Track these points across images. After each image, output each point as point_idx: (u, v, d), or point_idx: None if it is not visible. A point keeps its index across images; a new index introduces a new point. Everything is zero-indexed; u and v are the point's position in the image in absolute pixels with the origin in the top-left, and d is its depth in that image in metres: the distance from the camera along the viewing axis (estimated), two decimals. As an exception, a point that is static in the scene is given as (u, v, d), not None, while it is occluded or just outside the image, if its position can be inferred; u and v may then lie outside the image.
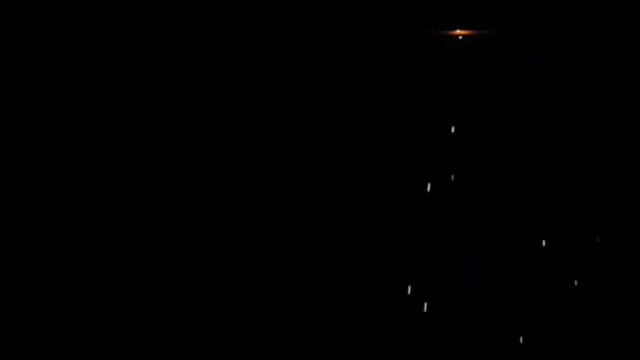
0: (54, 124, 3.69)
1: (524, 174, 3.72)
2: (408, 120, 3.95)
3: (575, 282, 3.45)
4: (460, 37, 4.07)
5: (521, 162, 3.76)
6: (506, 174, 3.73)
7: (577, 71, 3.91)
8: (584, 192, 3.62)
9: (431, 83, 4.06)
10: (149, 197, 3.61)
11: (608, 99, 3.81)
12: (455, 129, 3.90)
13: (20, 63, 3.72)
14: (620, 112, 3.77)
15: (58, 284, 3.40)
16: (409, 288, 3.47)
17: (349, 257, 3.55)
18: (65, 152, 3.65)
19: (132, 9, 3.77)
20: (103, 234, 3.51)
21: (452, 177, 3.75)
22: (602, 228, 3.57)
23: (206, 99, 3.85)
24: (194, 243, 3.55)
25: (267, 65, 3.91)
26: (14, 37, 3.68)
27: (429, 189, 3.73)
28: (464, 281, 3.51)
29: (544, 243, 3.56)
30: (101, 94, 3.79)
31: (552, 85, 3.92)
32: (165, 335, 3.32)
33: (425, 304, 3.42)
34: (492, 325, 3.39)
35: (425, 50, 4.11)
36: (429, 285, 3.49)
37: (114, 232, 3.52)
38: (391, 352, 3.33)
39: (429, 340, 3.35)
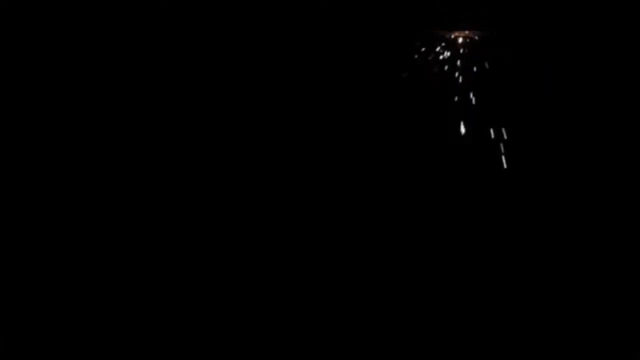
0: (54, 123, 3.70)
1: (525, 170, 3.73)
2: (408, 119, 3.96)
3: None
4: (460, 37, 4.08)
5: (522, 159, 3.77)
6: (507, 170, 3.73)
7: (579, 71, 3.91)
8: (586, 192, 3.63)
9: (431, 81, 4.07)
10: (149, 196, 3.61)
11: (610, 98, 3.81)
12: (456, 126, 3.91)
13: (20, 63, 3.73)
14: (622, 111, 3.78)
15: (58, 284, 3.40)
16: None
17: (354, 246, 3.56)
18: (65, 152, 3.66)
19: (132, 9, 3.78)
20: (103, 234, 3.51)
21: (453, 173, 3.75)
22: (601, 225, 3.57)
23: (206, 99, 3.86)
24: (193, 243, 3.55)
25: (266, 66, 3.92)
26: (14, 37, 3.70)
27: (429, 186, 3.73)
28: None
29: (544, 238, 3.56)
30: (101, 94, 3.81)
31: (552, 84, 3.93)
32: (165, 335, 3.33)
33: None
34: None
35: (425, 49, 4.12)
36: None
37: (114, 232, 3.53)
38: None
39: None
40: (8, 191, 3.53)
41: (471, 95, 3.72)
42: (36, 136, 3.65)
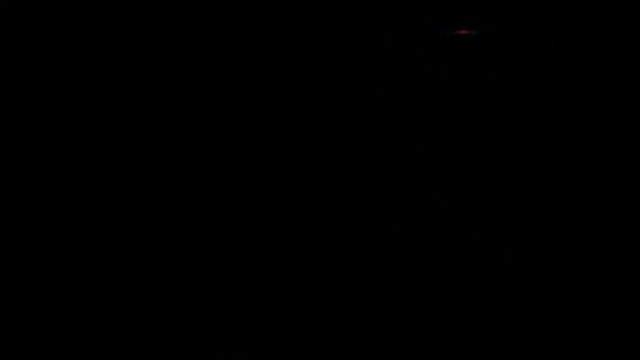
0: (54, 124, 3.70)
1: (523, 169, 3.72)
2: (409, 119, 3.96)
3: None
4: (460, 37, 4.06)
5: (520, 159, 3.77)
6: (506, 168, 3.73)
7: (579, 72, 3.90)
8: (581, 187, 3.62)
9: (432, 83, 4.06)
10: (149, 197, 3.61)
11: (610, 100, 3.81)
12: (456, 127, 3.90)
13: (20, 63, 3.72)
14: (622, 115, 3.77)
15: (58, 284, 3.41)
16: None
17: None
18: (65, 152, 3.65)
19: (132, 9, 3.77)
20: (103, 234, 3.51)
21: (453, 174, 3.75)
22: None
23: (206, 99, 3.85)
24: (193, 243, 3.55)
25: (265, 66, 3.91)
26: (14, 37, 3.69)
27: (428, 183, 3.73)
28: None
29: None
30: (101, 94, 3.80)
31: (552, 84, 3.92)
32: (165, 335, 3.33)
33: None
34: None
35: (426, 49, 4.11)
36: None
37: (114, 232, 3.53)
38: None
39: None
40: (8, 191, 3.54)
41: (466, 91, 3.75)
42: (36, 136, 3.66)
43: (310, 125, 3.77)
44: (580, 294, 3.43)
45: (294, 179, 3.69)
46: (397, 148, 3.79)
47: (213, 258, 3.51)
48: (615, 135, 3.68)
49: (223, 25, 3.89)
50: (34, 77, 3.73)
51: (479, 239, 3.60)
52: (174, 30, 3.89)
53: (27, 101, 3.68)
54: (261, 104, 3.84)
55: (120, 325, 3.31)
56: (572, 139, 3.71)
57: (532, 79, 3.92)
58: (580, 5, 3.81)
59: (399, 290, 3.48)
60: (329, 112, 3.84)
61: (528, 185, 3.66)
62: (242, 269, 3.49)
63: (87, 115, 3.70)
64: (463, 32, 4.10)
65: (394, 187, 3.73)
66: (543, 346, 3.30)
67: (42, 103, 3.70)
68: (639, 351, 3.21)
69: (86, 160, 3.61)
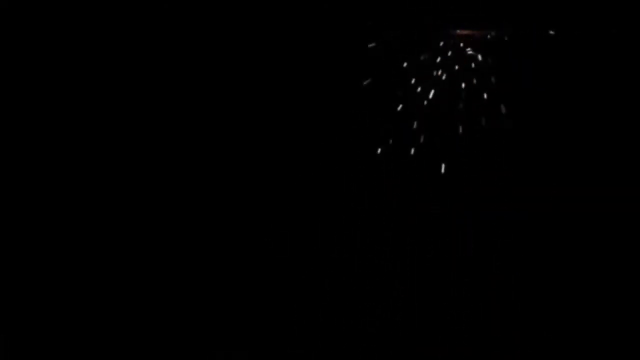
0: (54, 123, 3.69)
1: (523, 169, 3.72)
2: (408, 117, 3.95)
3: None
4: (460, 37, 4.06)
5: (520, 159, 3.76)
6: (506, 168, 3.73)
7: (579, 72, 3.90)
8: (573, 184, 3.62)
9: (432, 83, 4.06)
10: (149, 197, 3.61)
11: (611, 102, 3.80)
12: (456, 128, 3.90)
13: (20, 63, 3.72)
14: (622, 116, 3.77)
15: (58, 284, 3.40)
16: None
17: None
18: (65, 152, 3.65)
19: (132, 9, 3.77)
20: (103, 235, 3.51)
21: (453, 174, 3.74)
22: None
23: (206, 99, 3.85)
24: (193, 244, 3.55)
25: (265, 66, 3.91)
26: (14, 37, 3.68)
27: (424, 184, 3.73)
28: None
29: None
30: (101, 94, 3.79)
31: (553, 84, 3.92)
32: (165, 336, 3.32)
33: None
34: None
35: (426, 49, 4.11)
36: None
37: (113, 233, 3.52)
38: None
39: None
40: (8, 191, 3.53)
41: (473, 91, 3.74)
42: (36, 136, 3.66)
43: (310, 125, 3.77)
44: (580, 293, 3.43)
45: (294, 179, 3.69)
46: (397, 149, 3.79)
47: (213, 258, 3.51)
48: (614, 135, 3.67)
49: (223, 25, 3.88)
50: (33, 76, 3.72)
51: (479, 239, 3.59)
52: (174, 30, 3.88)
53: (26, 101, 3.67)
54: (261, 104, 3.84)
55: (121, 325, 3.31)
56: (572, 140, 3.71)
57: (532, 80, 3.92)
58: (580, 5, 3.81)
59: (399, 290, 3.48)
60: (329, 112, 3.84)
61: (528, 185, 3.65)
62: (242, 269, 3.49)
63: (86, 115, 3.70)
64: (463, 32, 4.09)
65: (394, 187, 3.73)
66: (543, 346, 3.30)
67: (41, 103, 3.69)
68: (638, 351, 3.21)
69: (85, 160, 3.61)
